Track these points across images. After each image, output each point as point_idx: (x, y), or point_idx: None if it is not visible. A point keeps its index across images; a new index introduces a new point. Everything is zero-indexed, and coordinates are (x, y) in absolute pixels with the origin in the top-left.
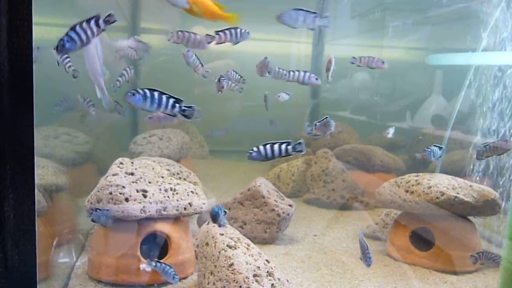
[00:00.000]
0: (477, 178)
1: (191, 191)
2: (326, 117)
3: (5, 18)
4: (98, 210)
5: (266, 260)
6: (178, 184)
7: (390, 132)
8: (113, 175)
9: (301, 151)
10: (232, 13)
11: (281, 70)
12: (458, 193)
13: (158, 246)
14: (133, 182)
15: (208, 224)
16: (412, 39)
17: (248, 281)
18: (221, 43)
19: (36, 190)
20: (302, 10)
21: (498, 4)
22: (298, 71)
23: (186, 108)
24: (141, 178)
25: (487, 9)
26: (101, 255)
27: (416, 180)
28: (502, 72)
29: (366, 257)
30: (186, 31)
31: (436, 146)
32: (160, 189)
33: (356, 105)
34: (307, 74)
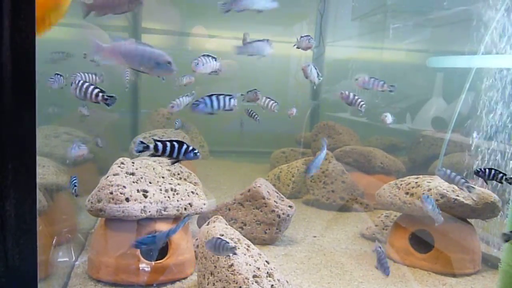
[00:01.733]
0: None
1: (192, 192)
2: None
3: (8, 18)
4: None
5: (266, 261)
6: (178, 184)
7: (388, 117)
8: (114, 175)
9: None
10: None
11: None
12: (458, 196)
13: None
14: (133, 182)
15: (208, 224)
16: (413, 41)
17: (248, 282)
18: None
19: (37, 190)
20: None
21: (499, 7)
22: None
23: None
24: (141, 178)
25: (488, 12)
26: (101, 255)
27: (416, 182)
28: (503, 75)
29: (383, 267)
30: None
31: None
32: (161, 189)
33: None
34: (380, 83)
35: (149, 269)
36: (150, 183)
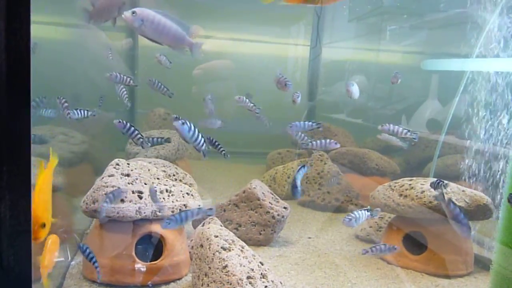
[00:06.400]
0: (471, 183)
1: (187, 193)
2: None
3: (3, 20)
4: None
5: (260, 263)
6: (173, 185)
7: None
8: (109, 176)
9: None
10: None
11: None
12: (450, 198)
13: (153, 247)
14: (129, 183)
15: (203, 225)
16: (409, 43)
17: (242, 283)
18: None
19: (32, 191)
20: None
21: (494, 10)
22: None
23: None
24: (137, 179)
25: (483, 14)
26: (96, 255)
27: (410, 184)
28: (497, 78)
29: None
30: None
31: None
32: (156, 191)
33: (352, 108)
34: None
35: (144, 269)
36: (145, 184)
